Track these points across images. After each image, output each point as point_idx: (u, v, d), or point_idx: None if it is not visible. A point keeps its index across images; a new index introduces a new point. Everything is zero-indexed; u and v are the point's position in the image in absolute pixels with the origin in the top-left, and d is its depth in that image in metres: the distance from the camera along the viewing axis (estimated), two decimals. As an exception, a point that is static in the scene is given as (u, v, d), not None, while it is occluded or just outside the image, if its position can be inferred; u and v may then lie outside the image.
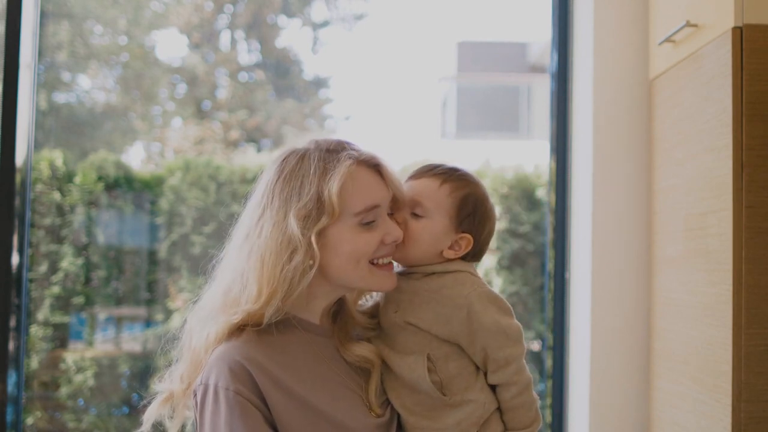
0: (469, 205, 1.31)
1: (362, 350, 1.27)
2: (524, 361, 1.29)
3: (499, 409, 1.29)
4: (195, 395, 1.19)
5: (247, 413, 1.14)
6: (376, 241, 1.23)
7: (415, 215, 1.30)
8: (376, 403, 1.25)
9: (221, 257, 1.29)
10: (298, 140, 1.29)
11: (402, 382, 1.27)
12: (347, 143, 1.27)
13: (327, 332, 1.29)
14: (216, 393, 1.15)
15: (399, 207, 1.30)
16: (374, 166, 1.26)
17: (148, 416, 1.28)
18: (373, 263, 1.25)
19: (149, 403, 1.29)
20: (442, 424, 1.25)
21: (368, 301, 1.40)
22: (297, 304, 1.25)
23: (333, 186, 1.19)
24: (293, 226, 1.18)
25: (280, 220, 1.20)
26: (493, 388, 1.29)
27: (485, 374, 1.29)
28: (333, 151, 1.24)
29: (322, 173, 1.20)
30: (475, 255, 1.34)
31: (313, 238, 1.18)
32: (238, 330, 1.22)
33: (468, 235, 1.31)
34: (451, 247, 1.30)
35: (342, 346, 1.28)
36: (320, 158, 1.22)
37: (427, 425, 1.26)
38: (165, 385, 1.29)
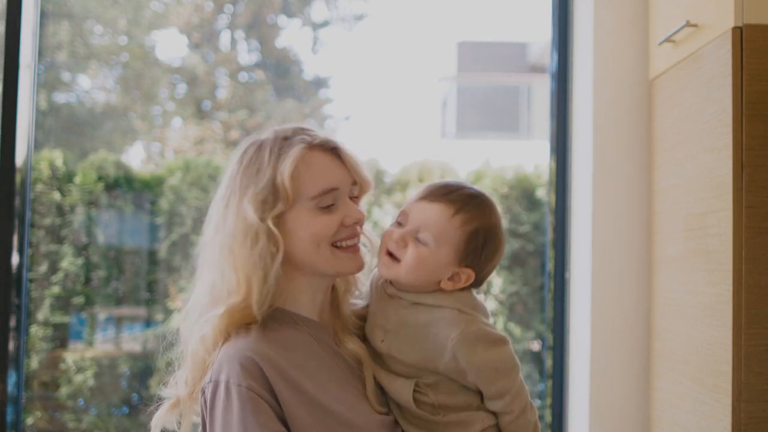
0: (479, 240, 1.23)
1: (354, 346, 1.27)
2: (521, 383, 1.26)
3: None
4: (203, 394, 1.19)
5: (260, 409, 1.14)
6: (335, 223, 1.23)
7: (419, 240, 1.23)
8: (376, 401, 1.24)
9: (198, 255, 1.29)
10: (260, 132, 1.30)
11: (393, 401, 1.26)
12: (304, 129, 1.27)
13: (328, 328, 1.30)
14: (228, 389, 1.15)
15: (405, 225, 1.27)
16: (331, 150, 1.26)
17: (156, 423, 1.27)
18: (336, 246, 1.24)
19: (156, 409, 1.28)
20: None
21: (360, 300, 1.38)
22: (288, 298, 1.26)
23: (285, 171, 1.19)
24: (251, 213, 1.19)
25: (241, 209, 1.21)
26: None
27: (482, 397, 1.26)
28: (288, 138, 1.24)
29: (276, 160, 1.21)
30: (474, 285, 1.28)
31: (270, 224, 1.19)
32: (244, 327, 1.22)
33: (470, 270, 1.24)
34: (450, 279, 1.24)
35: (336, 339, 1.28)
36: (275, 145, 1.23)
37: None
38: (171, 390, 1.28)
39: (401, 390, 1.22)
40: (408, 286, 1.25)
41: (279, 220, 1.21)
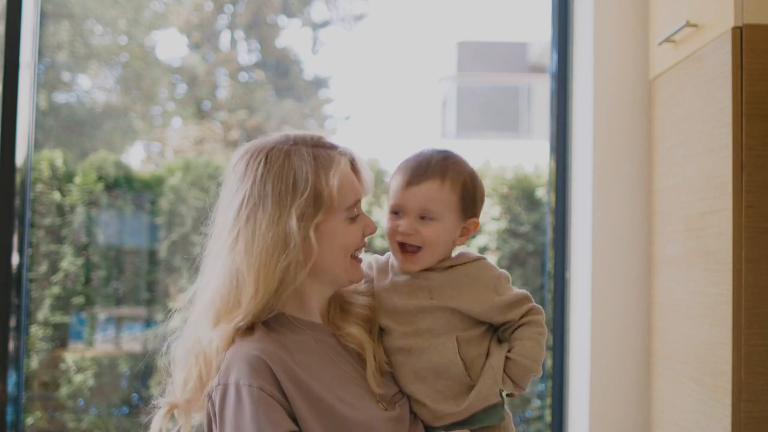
0: (469, 191, 1.36)
1: (355, 331, 1.28)
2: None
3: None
4: (211, 398, 1.18)
5: (272, 408, 1.14)
6: (361, 233, 1.29)
7: (425, 219, 1.33)
8: (376, 383, 1.25)
9: (205, 260, 1.28)
10: (263, 138, 1.29)
11: (427, 367, 1.29)
12: (323, 137, 1.29)
13: (329, 326, 1.31)
14: (238, 391, 1.14)
15: (406, 213, 1.33)
16: (351, 161, 1.29)
17: (155, 429, 1.27)
18: (352, 256, 1.29)
19: (153, 416, 1.28)
20: (464, 406, 1.29)
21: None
22: (293, 305, 1.26)
23: (334, 182, 1.22)
24: (292, 222, 1.19)
25: (276, 217, 1.20)
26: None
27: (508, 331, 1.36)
28: (319, 146, 1.26)
29: (317, 169, 1.22)
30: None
31: (311, 233, 1.21)
32: (248, 329, 1.22)
33: (475, 218, 1.38)
34: (462, 234, 1.37)
35: (338, 330, 1.29)
36: (309, 154, 1.23)
37: (450, 409, 1.28)
38: (167, 399, 1.27)
39: (443, 348, 1.29)
40: (437, 260, 1.35)
41: (316, 229, 1.22)
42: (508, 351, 1.32)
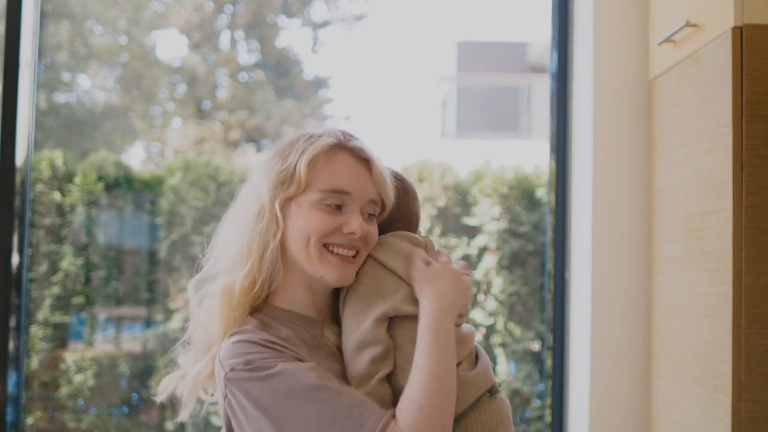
0: None
1: (331, 335, 1.27)
2: None
3: None
4: (227, 387, 1.16)
5: (289, 358, 1.17)
6: (333, 225, 1.23)
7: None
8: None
9: (217, 232, 1.33)
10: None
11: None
12: (347, 132, 1.30)
13: (324, 324, 1.29)
14: (250, 366, 1.15)
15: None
16: (362, 159, 1.27)
17: (164, 387, 1.30)
18: (328, 249, 1.24)
19: (168, 373, 1.32)
20: None
21: None
22: (284, 297, 1.27)
23: (303, 158, 1.23)
24: (263, 191, 1.24)
25: (257, 186, 1.26)
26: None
27: None
28: (325, 134, 1.27)
29: (304, 148, 1.25)
30: None
31: (277, 205, 1.23)
32: (242, 323, 1.23)
33: None
34: None
35: (322, 329, 1.28)
36: (311, 137, 1.27)
37: None
38: (183, 360, 1.31)
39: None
40: None
41: (286, 203, 1.24)
42: None
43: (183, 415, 1.30)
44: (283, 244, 1.24)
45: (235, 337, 1.20)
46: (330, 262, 1.23)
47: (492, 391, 1.26)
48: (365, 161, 1.27)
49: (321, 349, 1.25)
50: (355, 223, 1.23)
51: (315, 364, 1.16)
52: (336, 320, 1.30)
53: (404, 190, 1.36)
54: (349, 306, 1.25)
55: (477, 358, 1.29)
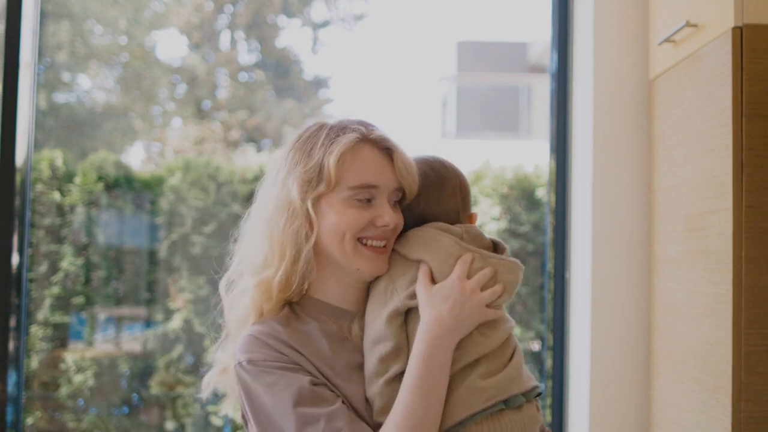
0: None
1: (359, 330, 1.27)
2: None
3: None
4: (237, 375, 1.21)
5: (290, 369, 1.18)
6: (365, 219, 1.23)
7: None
8: None
9: (243, 228, 1.33)
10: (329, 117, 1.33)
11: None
12: (366, 123, 1.29)
13: (355, 317, 1.29)
14: (254, 364, 1.18)
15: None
16: (385, 149, 1.27)
17: (206, 383, 1.32)
18: (362, 243, 1.24)
19: (207, 372, 1.33)
20: None
21: None
22: (319, 288, 1.28)
23: (332, 156, 1.22)
24: (293, 190, 1.23)
25: (286, 184, 1.25)
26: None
27: None
28: (347, 127, 1.27)
29: (329, 144, 1.24)
30: None
31: (309, 204, 1.22)
32: (273, 315, 1.25)
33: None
34: None
35: (355, 322, 1.28)
36: (332, 130, 1.26)
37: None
38: (219, 355, 1.32)
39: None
40: None
41: (317, 202, 1.23)
42: None
43: (226, 408, 1.33)
44: (315, 241, 1.24)
45: (250, 329, 1.23)
46: (365, 255, 1.24)
47: (509, 403, 1.18)
48: (387, 149, 1.27)
49: (347, 342, 1.25)
50: (387, 216, 1.24)
51: (311, 378, 1.17)
52: None
53: (439, 184, 1.31)
54: (370, 299, 1.26)
55: (512, 357, 1.26)
